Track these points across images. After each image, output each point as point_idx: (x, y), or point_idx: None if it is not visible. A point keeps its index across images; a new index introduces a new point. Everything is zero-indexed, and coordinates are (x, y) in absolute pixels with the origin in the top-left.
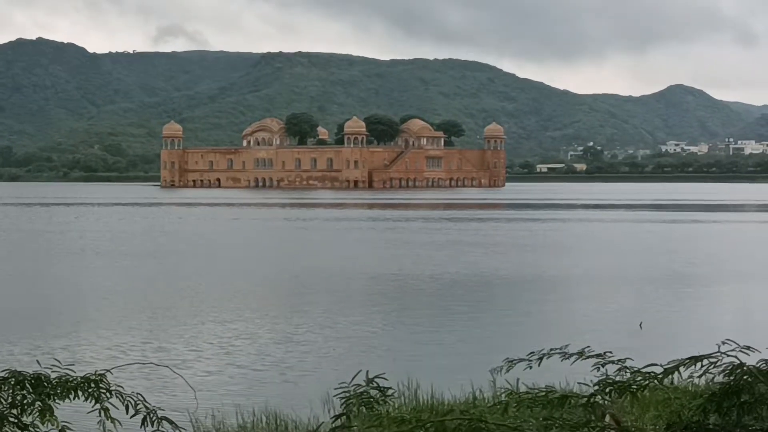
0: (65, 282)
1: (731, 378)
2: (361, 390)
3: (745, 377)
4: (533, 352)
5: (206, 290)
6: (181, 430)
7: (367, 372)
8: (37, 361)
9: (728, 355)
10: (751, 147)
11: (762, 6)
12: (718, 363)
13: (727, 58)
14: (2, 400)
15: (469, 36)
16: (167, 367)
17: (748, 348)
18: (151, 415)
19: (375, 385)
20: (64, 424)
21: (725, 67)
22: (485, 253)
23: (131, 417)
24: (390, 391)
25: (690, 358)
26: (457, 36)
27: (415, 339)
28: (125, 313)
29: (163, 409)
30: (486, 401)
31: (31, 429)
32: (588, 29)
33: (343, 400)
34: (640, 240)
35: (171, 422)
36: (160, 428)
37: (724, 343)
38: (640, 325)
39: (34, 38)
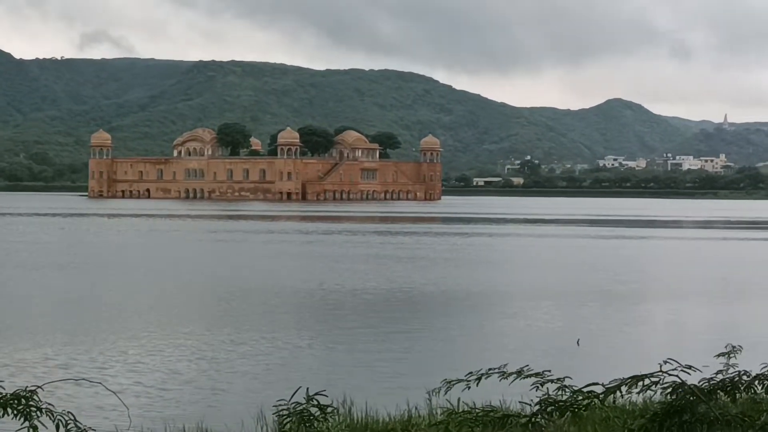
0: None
1: (673, 397)
2: (301, 407)
3: (686, 396)
4: (471, 372)
5: (134, 304)
6: None
7: (308, 389)
8: None
9: (670, 375)
10: (689, 162)
11: (695, 20)
12: (660, 382)
13: (664, 72)
14: None
15: (402, 46)
16: (100, 383)
17: (690, 367)
18: None
19: (315, 402)
20: None
21: (662, 82)
22: (418, 268)
23: None
24: (329, 410)
25: (632, 378)
26: (389, 46)
27: (347, 357)
28: (52, 327)
29: (94, 429)
30: (423, 420)
31: None
32: (522, 41)
33: (279, 418)
34: (576, 256)
35: None
36: None
37: (665, 362)
38: (578, 342)
39: None
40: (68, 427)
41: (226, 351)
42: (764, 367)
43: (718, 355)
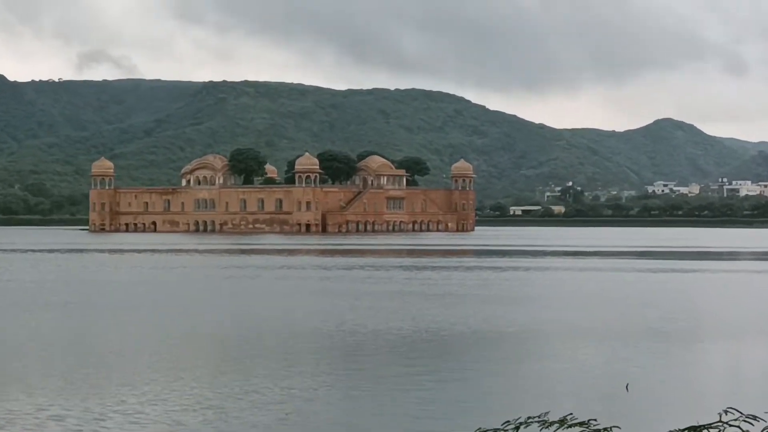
0: None
1: None
2: None
3: None
4: (508, 421)
5: (136, 348)
6: None
7: None
8: None
9: (731, 425)
10: (746, 188)
11: (749, 33)
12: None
13: (717, 88)
14: None
15: (429, 63)
16: None
17: (753, 417)
18: None
19: None
20: None
21: (716, 99)
22: (447, 305)
23: None
24: None
25: (688, 429)
26: (415, 63)
27: (369, 406)
28: (46, 374)
29: None
30: None
31: None
32: (559, 55)
33: None
34: (622, 291)
35: None
36: None
37: (725, 411)
38: (626, 387)
39: None
40: None
41: (235, 399)
42: None
43: None
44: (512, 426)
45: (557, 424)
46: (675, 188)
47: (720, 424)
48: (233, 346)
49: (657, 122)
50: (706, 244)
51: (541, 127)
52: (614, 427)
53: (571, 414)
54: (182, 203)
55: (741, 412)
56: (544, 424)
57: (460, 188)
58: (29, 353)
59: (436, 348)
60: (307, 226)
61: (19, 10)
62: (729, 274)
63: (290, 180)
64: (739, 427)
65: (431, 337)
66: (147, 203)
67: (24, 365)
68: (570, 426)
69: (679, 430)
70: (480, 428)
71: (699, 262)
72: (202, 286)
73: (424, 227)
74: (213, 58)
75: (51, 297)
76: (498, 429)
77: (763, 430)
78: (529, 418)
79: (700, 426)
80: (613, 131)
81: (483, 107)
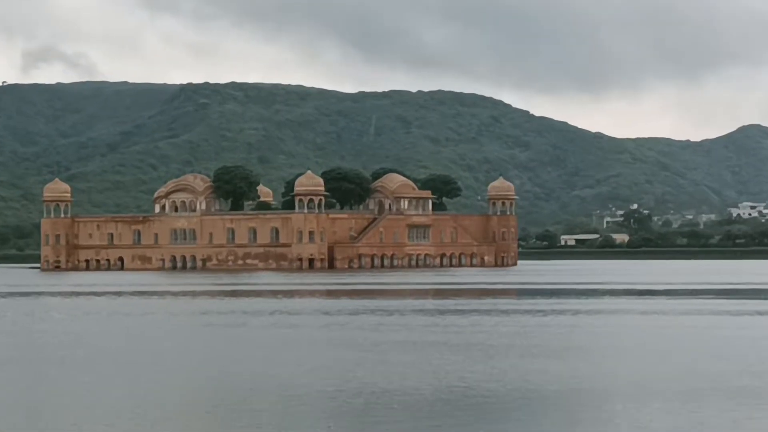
0: None
1: None
2: None
3: None
4: None
5: (93, 415)
6: None
7: None
8: None
9: None
10: None
11: None
12: None
13: None
14: None
15: (458, 60)
16: None
17: None
18: None
19: None
20: None
21: None
22: (480, 358)
23: None
24: None
25: None
26: (441, 60)
27: None
28: None
29: None
30: None
31: None
32: (619, 50)
33: None
34: (696, 339)
35: None
36: None
37: None
38: None
39: None
40: None
41: None
42: None
43: None
44: None
45: None
46: (764, 211)
47: None
48: (212, 414)
49: (741, 129)
50: None
51: (599, 136)
52: None
53: None
54: (156, 234)
55: None
56: None
57: (498, 213)
58: None
59: (464, 412)
60: (310, 261)
61: None
62: None
63: (289, 205)
64: None
65: (457, 398)
66: (112, 234)
67: None
68: None
69: None
70: None
71: None
72: (175, 337)
73: (454, 261)
74: (191, 55)
75: (5, 351)
76: None
77: None
78: None
79: None
80: (688, 141)
81: (526, 113)
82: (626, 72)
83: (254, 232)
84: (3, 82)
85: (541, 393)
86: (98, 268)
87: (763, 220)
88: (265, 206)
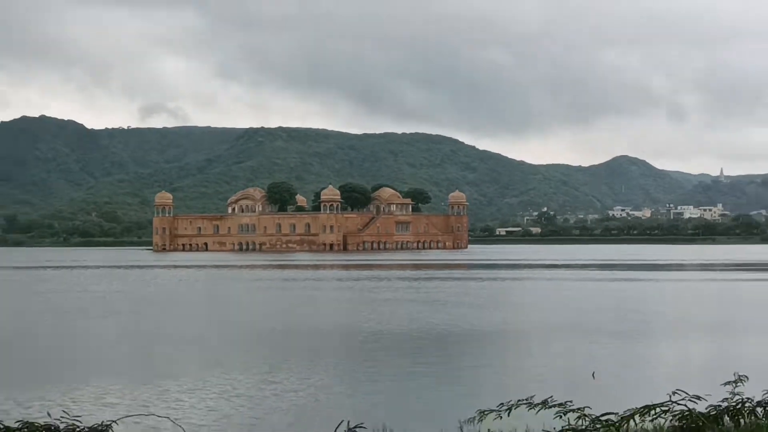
0: (68, 339)
1: (682, 424)
2: None
3: (694, 423)
4: (502, 403)
5: (190, 347)
6: None
7: (349, 422)
8: (48, 413)
9: (678, 404)
10: (689, 212)
11: (688, 84)
12: (670, 410)
13: (664, 130)
14: None
15: (429, 112)
16: (167, 418)
17: (697, 397)
18: None
19: None
20: None
21: (663, 139)
22: (444, 309)
23: None
24: None
25: (644, 407)
26: (418, 112)
27: (387, 390)
28: (124, 367)
29: None
30: None
31: None
32: (535, 105)
33: None
34: (587, 297)
35: None
36: None
37: (674, 393)
38: (593, 375)
39: (37, 115)
40: None
41: (281, 386)
42: (765, 394)
43: (725, 384)
44: (505, 408)
45: (540, 406)
46: (631, 212)
47: (670, 402)
48: (264, 343)
49: (615, 159)
50: (656, 258)
51: (521, 163)
52: (586, 407)
53: (551, 396)
54: (228, 227)
55: (687, 393)
56: (530, 405)
57: (455, 214)
58: (94, 350)
59: (430, 343)
60: (331, 245)
61: (93, 74)
62: (675, 282)
63: (316, 208)
64: (685, 405)
65: (425, 335)
66: (200, 227)
67: (88, 360)
68: (550, 407)
69: (636, 408)
70: (479, 410)
71: (650, 272)
72: (241, 294)
73: (426, 246)
74: (252, 108)
75: (124, 306)
76: (494, 410)
77: (707, 408)
78: (519, 400)
79: (653, 404)
80: (580, 166)
81: (473, 147)
82: (541, 120)
83: (294, 226)
84: (128, 127)
85: (481, 332)
86: (190, 250)
87: (629, 218)
88: (301, 209)
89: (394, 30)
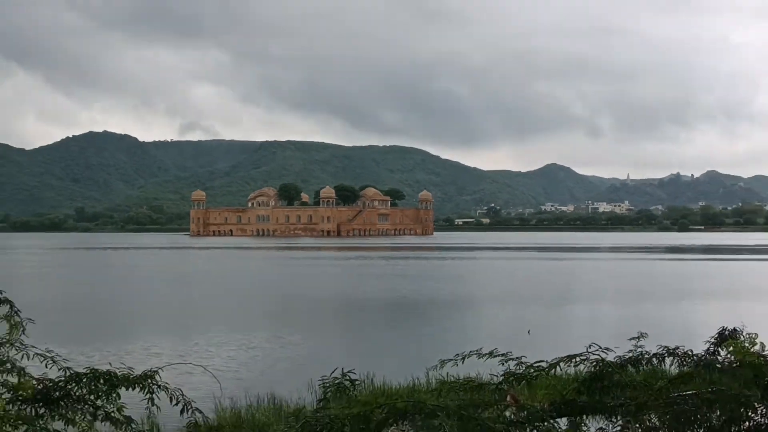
0: (123, 303)
1: (596, 370)
2: (338, 381)
3: (605, 370)
4: (458, 354)
5: (217, 309)
6: (208, 418)
7: (342, 369)
8: (110, 363)
9: (593, 354)
10: (603, 207)
11: (601, 110)
12: (587, 359)
13: (584, 144)
14: (83, 388)
15: (404, 129)
16: (200, 366)
17: (607, 349)
18: (188, 406)
19: (348, 377)
20: (122, 403)
21: (583, 151)
22: (413, 281)
23: (174, 405)
24: (357, 383)
25: (567, 356)
26: (395, 129)
27: (370, 344)
28: (166, 325)
29: (194, 402)
30: (423, 388)
31: (100, 409)
32: (486, 123)
33: (323, 388)
34: (526, 271)
35: (200, 412)
36: (194, 416)
37: (590, 345)
38: (528, 332)
39: (101, 131)
40: (178, 400)
41: (288, 340)
42: (659, 347)
43: (629, 339)
44: (460, 357)
45: (487, 355)
46: (558, 207)
47: (587, 353)
48: (274, 306)
49: (547, 166)
50: (577, 242)
51: (474, 169)
52: (522, 356)
53: (496, 348)
54: (249, 218)
55: (599, 346)
56: (479, 355)
57: (424, 208)
58: (142, 312)
59: (403, 308)
60: (328, 232)
61: (144, 98)
62: (592, 261)
63: (317, 203)
64: (599, 355)
65: (400, 302)
66: (226, 218)
67: (138, 321)
68: (495, 356)
69: (561, 357)
70: (440, 359)
71: (573, 253)
72: (257, 268)
73: (401, 233)
74: (266, 125)
75: (166, 275)
76: (451, 359)
77: (615, 357)
78: (470, 351)
79: (574, 354)
80: (519, 171)
81: (438, 157)
82: (489, 135)
83: (299, 217)
84: (171, 140)
85: (442, 299)
86: (219, 235)
87: (557, 212)
88: (304, 204)
89: (376, 67)
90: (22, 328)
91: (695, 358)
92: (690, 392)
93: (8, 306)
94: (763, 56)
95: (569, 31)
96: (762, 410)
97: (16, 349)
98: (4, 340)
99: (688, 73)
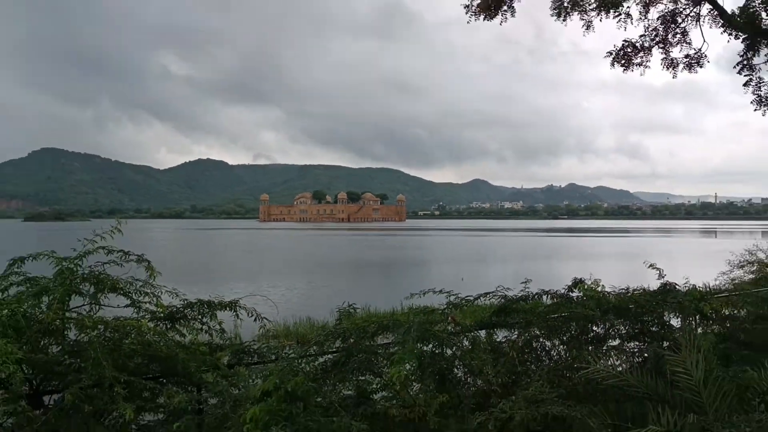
0: (216, 263)
1: (502, 303)
2: (347, 308)
3: (507, 301)
4: (422, 291)
5: (277, 265)
6: (270, 329)
7: (348, 302)
8: (209, 296)
9: (501, 292)
10: (507, 205)
11: (505, 146)
12: (497, 295)
13: (496, 166)
14: (194, 311)
15: (386, 156)
16: (266, 297)
17: (508, 289)
18: (259, 317)
19: (353, 307)
20: (220, 320)
21: (496, 170)
22: (390, 249)
23: (254, 320)
24: (358, 309)
25: (484, 293)
26: (381, 156)
27: (367, 286)
28: (243, 276)
29: (266, 317)
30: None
31: (205, 325)
32: (436, 153)
33: (339, 313)
34: (462, 243)
35: (269, 320)
36: (263, 326)
37: (498, 287)
38: (462, 279)
39: (205, 158)
40: (254, 316)
41: (319, 286)
42: (539, 289)
43: (522, 283)
44: (422, 293)
45: (438, 292)
46: (481, 205)
47: (497, 290)
48: (305, 265)
49: (474, 180)
50: (490, 226)
51: (430, 181)
52: (459, 293)
53: (443, 288)
54: (294, 211)
55: (504, 287)
56: (433, 292)
57: (400, 205)
58: (227, 269)
59: (381, 267)
60: (342, 219)
61: (231, 138)
62: (500, 238)
63: (335, 202)
64: (503, 293)
65: (380, 262)
66: (281, 211)
67: (224, 275)
68: (443, 293)
69: (479, 294)
70: (410, 294)
71: (490, 232)
72: (299, 241)
73: (386, 220)
74: (302, 154)
75: (242, 246)
76: (416, 294)
77: (513, 294)
78: (428, 290)
79: (489, 291)
80: (457, 183)
81: (408, 174)
82: (439, 160)
83: (325, 210)
84: (248, 163)
85: (410, 260)
86: (276, 221)
87: (480, 208)
88: (328, 203)
89: (372, 120)
90: (156, 274)
91: (560, 294)
92: (557, 315)
93: (147, 262)
94: (600, 115)
95: (486, 98)
96: (600, 325)
97: (153, 287)
98: (148, 281)
99: (557, 125)
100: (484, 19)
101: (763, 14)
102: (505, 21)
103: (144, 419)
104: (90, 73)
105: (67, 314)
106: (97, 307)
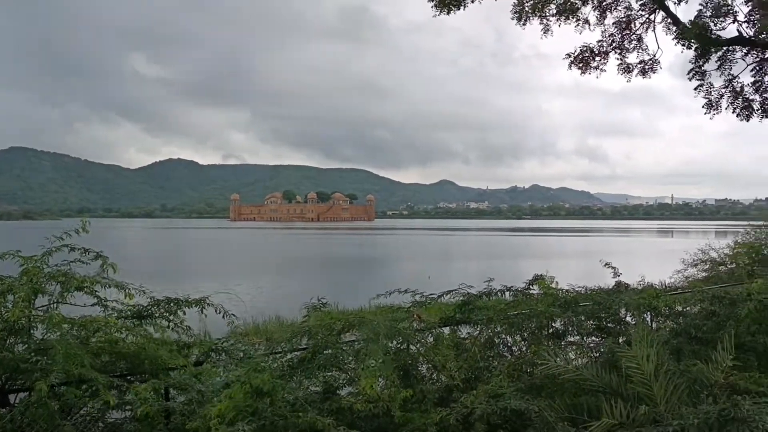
0: (179, 262)
1: (465, 298)
2: (315, 305)
3: (470, 298)
4: (389, 291)
5: (244, 263)
6: (238, 318)
7: (318, 298)
8: (176, 292)
9: (463, 289)
10: (473, 205)
11: (471, 147)
12: (460, 292)
13: (462, 168)
14: (162, 308)
15: (355, 157)
16: (234, 294)
17: (471, 287)
18: (227, 314)
19: (321, 303)
20: (184, 317)
21: (462, 172)
22: (365, 246)
23: (222, 316)
24: (328, 306)
25: (448, 291)
26: (351, 157)
27: (335, 283)
28: (209, 275)
29: (235, 314)
30: (366, 311)
31: (171, 320)
32: (403, 156)
33: (308, 309)
34: (427, 243)
35: (236, 317)
36: (231, 322)
37: (461, 285)
38: (429, 277)
39: (176, 158)
40: (221, 312)
41: (286, 282)
42: (501, 287)
43: (484, 281)
44: (388, 292)
45: (404, 292)
46: (447, 205)
47: (460, 288)
48: (273, 262)
49: (440, 181)
50: (456, 226)
51: (398, 182)
52: (423, 291)
53: (409, 287)
54: (265, 210)
55: (467, 284)
56: (399, 291)
57: (369, 205)
58: (193, 266)
59: (354, 264)
60: (312, 219)
61: (200, 139)
62: (464, 237)
63: (305, 202)
64: (466, 290)
65: (362, 258)
66: (251, 210)
67: (190, 272)
68: (409, 292)
69: (446, 291)
70: (377, 294)
71: (455, 231)
72: (268, 240)
73: (355, 220)
74: (274, 156)
75: (209, 243)
76: (383, 294)
77: (476, 292)
78: (394, 290)
79: (453, 289)
80: (424, 184)
81: (377, 174)
82: (406, 162)
83: (295, 210)
84: (218, 163)
85: (378, 258)
86: (246, 221)
87: (447, 208)
88: (298, 202)
89: (341, 121)
90: (112, 269)
91: (520, 291)
92: (517, 312)
93: (105, 259)
94: (561, 118)
95: (452, 100)
96: (558, 321)
97: (121, 285)
98: (115, 280)
99: (520, 128)
100: (448, 13)
101: (712, 25)
102: (465, 6)
103: (111, 417)
104: (60, 74)
105: (33, 312)
106: (61, 306)
